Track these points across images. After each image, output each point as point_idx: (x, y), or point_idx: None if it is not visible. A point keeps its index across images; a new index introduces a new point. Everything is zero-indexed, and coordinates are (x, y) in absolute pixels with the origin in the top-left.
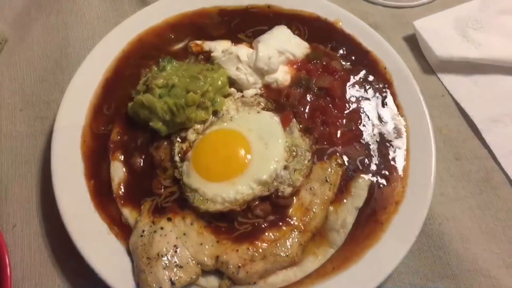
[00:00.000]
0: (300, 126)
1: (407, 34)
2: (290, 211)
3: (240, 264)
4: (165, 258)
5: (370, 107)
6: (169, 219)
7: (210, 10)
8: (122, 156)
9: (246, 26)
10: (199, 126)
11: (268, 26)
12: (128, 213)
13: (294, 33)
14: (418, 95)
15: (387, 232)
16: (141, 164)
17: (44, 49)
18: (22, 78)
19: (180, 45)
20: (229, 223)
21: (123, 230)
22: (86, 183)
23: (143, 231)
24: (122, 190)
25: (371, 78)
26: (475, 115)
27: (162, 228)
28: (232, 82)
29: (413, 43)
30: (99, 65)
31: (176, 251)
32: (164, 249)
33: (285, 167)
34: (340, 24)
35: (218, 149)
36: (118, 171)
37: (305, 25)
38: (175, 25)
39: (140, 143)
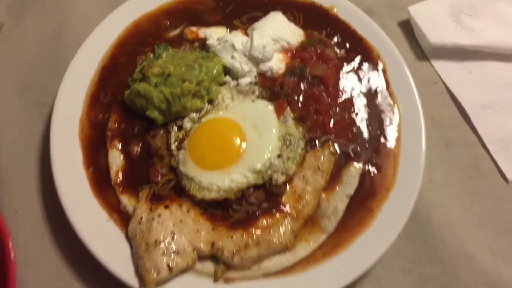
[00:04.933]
0: (294, 114)
1: (402, 20)
2: (283, 198)
3: (234, 250)
4: (163, 245)
5: (363, 95)
6: (166, 207)
7: None
8: (120, 144)
9: (241, 12)
10: (194, 114)
11: (263, 12)
12: (126, 201)
13: (289, 20)
14: (410, 83)
15: (377, 219)
16: (138, 152)
17: (39, 36)
18: (18, 64)
19: (175, 32)
20: (224, 210)
21: (122, 217)
22: (85, 171)
23: (141, 218)
24: (120, 178)
25: (365, 66)
26: (466, 102)
27: (159, 216)
28: (227, 71)
29: (408, 29)
30: (96, 52)
31: (173, 238)
32: (162, 236)
33: (279, 156)
34: (335, 10)
35: (213, 138)
36: (116, 159)
37: (301, 12)
38: (170, 11)
39: (137, 131)
